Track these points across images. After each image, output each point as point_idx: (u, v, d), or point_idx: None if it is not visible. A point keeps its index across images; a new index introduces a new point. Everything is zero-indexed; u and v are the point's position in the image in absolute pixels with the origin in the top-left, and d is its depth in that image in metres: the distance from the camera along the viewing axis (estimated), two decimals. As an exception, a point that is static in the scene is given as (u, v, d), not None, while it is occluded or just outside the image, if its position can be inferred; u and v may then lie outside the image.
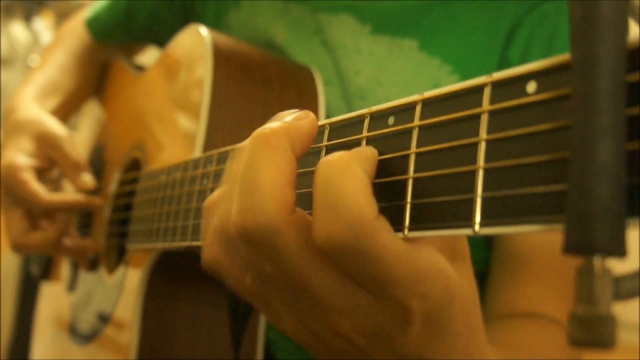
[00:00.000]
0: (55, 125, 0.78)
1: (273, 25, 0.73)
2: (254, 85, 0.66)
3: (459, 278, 0.32)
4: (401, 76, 0.66)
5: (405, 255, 0.29)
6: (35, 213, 0.76)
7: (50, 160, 0.78)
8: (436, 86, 0.65)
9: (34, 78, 0.88)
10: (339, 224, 0.28)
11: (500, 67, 0.63)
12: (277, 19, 0.73)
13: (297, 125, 0.33)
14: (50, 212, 0.76)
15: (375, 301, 0.31)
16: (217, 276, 0.38)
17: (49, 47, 0.96)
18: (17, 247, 0.77)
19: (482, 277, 0.65)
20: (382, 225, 0.29)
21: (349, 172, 0.29)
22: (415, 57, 0.66)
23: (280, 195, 0.30)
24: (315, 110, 0.66)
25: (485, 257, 0.64)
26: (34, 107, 0.82)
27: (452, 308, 0.32)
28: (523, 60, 0.62)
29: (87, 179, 0.77)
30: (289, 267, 0.32)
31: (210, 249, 0.37)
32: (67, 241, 0.78)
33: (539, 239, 0.59)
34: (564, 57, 0.25)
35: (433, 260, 0.30)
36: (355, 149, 0.32)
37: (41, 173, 0.78)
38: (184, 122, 0.66)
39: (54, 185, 0.82)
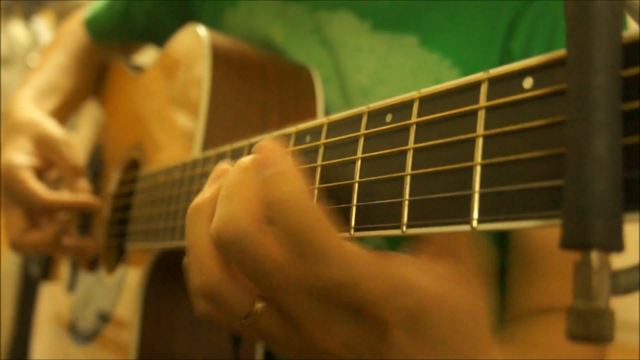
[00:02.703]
0: (53, 128, 0.78)
1: (271, 24, 0.73)
2: (252, 84, 0.66)
3: (439, 287, 0.32)
4: (402, 73, 0.66)
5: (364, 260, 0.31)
6: (35, 212, 0.76)
7: (48, 162, 0.78)
8: (437, 82, 0.65)
9: (33, 79, 0.88)
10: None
11: (502, 60, 0.63)
12: (275, 18, 0.73)
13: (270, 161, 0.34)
14: (50, 211, 0.76)
15: (351, 313, 0.33)
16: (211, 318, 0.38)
17: (48, 48, 0.96)
18: (15, 246, 0.77)
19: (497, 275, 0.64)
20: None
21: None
22: (415, 53, 0.66)
23: (250, 207, 0.33)
24: (313, 109, 0.66)
25: (499, 257, 0.64)
26: (32, 108, 0.82)
27: (430, 317, 0.32)
28: (526, 52, 0.62)
29: (84, 184, 0.77)
30: (263, 277, 0.33)
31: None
32: (67, 240, 0.78)
33: (554, 232, 0.59)
34: (560, 52, 0.25)
35: (401, 273, 0.31)
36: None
37: (40, 173, 0.78)
38: (182, 122, 0.66)
39: (53, 186, 0.82)
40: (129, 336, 0.63)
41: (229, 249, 0.33)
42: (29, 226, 0.76)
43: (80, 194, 0.77)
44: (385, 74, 0.66)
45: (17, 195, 0.74)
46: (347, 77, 0.67)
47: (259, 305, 0.35)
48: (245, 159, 0.35)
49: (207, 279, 0.35)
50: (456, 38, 0.65)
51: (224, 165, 0.40)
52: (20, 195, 0.74)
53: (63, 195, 0.75)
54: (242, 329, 0.37)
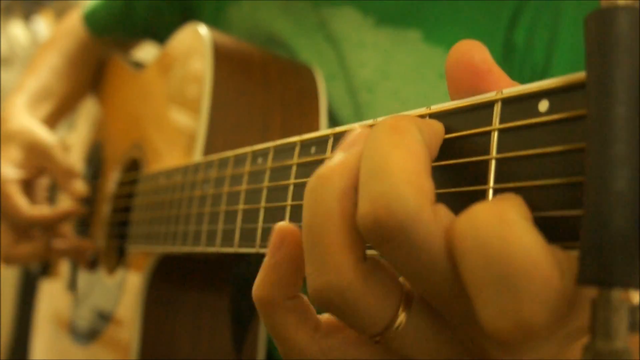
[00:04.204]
0: (44, 135, 0.78)
1: (275, 21, 0.72)
2: (254, 84, 0.65)
3: None
4: (406, 68, 0.65)
5: None
6: (19, 226, 0.76)
7: (39, 170, 0.79)
8: (441, 77, 0.65)
9: (27, 83, 0.88)
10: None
11: (505, 52, 0.62)
12: (279, 15, 0.72)
13: (427, 121, 0.28)
14: (31, 226, 0.76)
15: None
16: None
17: (43, 48, 0.95)
18: (6, 259, 0.78)
19: None
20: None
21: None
22: (419, 48, 0.65)
23: (416, 180, 0.23)
24: (316, 109, 0.66)
25: None
26: (25, 116, 0.82)
27: None
28: (529, 44, 0.62)
29: (79, 186, 0.77)
30: (431, 276, 0.24)
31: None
32: (61, 244, 0.78)
33: None
34: (578, 75, 0.24)
35: None
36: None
37: (30, 183, 0.78)
38: (183, 122, 0.65)
39: (48, 193, 0.82)
40: (130, 340, 0.63)
41: (391, 238, 0.23)
42: (17, 239, 0.77)
43: (60, 204, 0.78)
44: (389, 69, 0.66)
45: (2, 209, 0.75)
46: (352, 73, 0.67)
47: (402, 317, 0.27)
48: (395, 118, 0.26)
49: (336, 279, 0.25)
50: (459, 31, 0.65)
51: (362, 129, 0.29)
52: (5, 209, 0.74)
53: (43, 210, 0.75)
54: (370, 349, 0.29)
